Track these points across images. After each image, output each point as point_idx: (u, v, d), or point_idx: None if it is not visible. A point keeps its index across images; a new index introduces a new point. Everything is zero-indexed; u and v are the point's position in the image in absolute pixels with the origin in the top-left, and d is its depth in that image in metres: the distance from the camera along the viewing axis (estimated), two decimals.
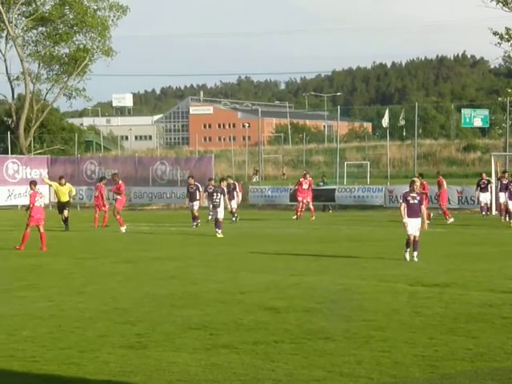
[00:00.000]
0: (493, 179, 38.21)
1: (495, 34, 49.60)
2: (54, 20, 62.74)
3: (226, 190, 30.43)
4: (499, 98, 69.48)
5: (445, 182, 36.15)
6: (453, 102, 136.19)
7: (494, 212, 37.68)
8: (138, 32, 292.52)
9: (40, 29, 63.77)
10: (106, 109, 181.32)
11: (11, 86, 64.92)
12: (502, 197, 34.38)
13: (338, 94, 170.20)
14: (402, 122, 65.29)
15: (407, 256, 19.82)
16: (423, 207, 20.03)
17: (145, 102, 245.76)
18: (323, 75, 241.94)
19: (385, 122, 53.95)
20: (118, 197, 32.46)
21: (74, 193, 33.71)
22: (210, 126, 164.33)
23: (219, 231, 28.00)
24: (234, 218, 35.36)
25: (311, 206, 37.98)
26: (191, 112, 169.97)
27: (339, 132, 59.16)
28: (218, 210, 28.53)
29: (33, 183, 26.08)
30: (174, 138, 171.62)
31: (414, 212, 19.77)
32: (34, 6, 63.33)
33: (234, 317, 12.39)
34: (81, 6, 62.04)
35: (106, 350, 10.15)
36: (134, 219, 36.78)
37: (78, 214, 44.34)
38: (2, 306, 13.79)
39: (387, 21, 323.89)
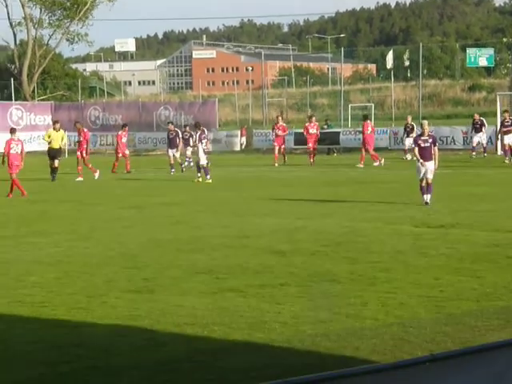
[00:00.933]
0: (498, 119, 38.04)
1: None
2: None
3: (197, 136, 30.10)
4: (504, 39, 68.86)
5: (371, 126, 35.55)
6: (458, 41, 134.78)
7: (499, 152, 37.55)
8: None
9: None
10: (109, 54, 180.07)
11: (13, 31, 64.56)
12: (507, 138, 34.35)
13: (342, 35, 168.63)
14: (407, 63, 64.87)
15: (425, 198, 19.26)
16: (436, 149, 19.65)
17: (147, 47, 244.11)
18: (326, 17, 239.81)
19: (389, 63, 53.53)
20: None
21: (64, 141, 31.61)
22: (213, 70, 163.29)
23: (207, 176, 27.67)
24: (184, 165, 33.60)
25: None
26: (194, 56, 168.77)
27: (343, 74, 58.74)
28: (200, 154, 28.20)
29: (11, 130, 26.08)
30: (178, 83, 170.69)
31: (426, 155, 19.44)
32: None
33: (240, 261, 12.46)
34: None
35: (113, 295, 10.23)
36: (138, 165, 36.77)
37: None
38: (9, 252, 13.88)
39: None
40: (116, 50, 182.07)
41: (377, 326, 8.54)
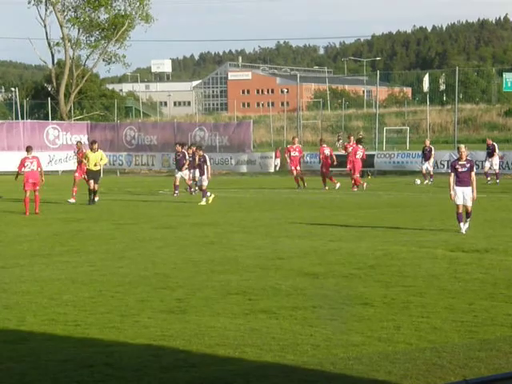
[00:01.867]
0: None
1: None
2: None
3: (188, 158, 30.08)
4: None
5: (361, 150, 35.14)
6: (494, 65, 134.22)
7: None
8: None
9: None
10: (145, 75, 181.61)
11: (51, 51, 65.28)
12: None
13: (378, 58, 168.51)
14: (443, 87, 64.59)
15: (462, 227, 18.45)
16: (473, 175, 18.75)
17: (184, 68, 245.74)
18: (363, 40, 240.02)
19: (425, 86, 53.40)
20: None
21: (105, 161, 30.42)
22: (248, 92, 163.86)
23: (204, 199, 27.71)
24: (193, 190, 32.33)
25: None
26: (230, 77, 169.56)
27: (378, 97, 58.68)
28: (203, 177, 28.29)
29: (27, 148, 26.37)
30: (213, 104, 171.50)
31: (463, 181, 18.60)
32: None
33: (273, 282, 12.43)
34: None
35: (146, 315, 10.25)
36: (172, 185, 36.85)
37: (117, 179, 44.65)
38: (44, 270, 13.97)
39: None
40: (152, 70, 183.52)
41: (410, 351, 8.47)
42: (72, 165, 53.01)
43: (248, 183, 39.99)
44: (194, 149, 31.68)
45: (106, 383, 7.54)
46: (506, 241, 16.93)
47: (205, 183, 28.29)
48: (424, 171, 37.16)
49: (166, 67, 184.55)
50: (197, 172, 29.62)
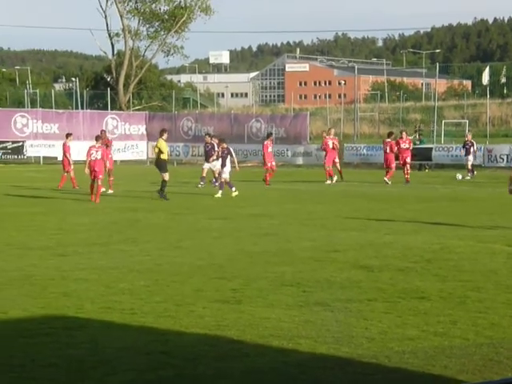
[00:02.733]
0: None
1: None
2: None
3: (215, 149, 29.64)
4: None
5: (331, 143, 34.61)
6: None
7: None
8: None
9: None
10: (203, 66, 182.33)
11: (111, 42, 65.98)
12: None
13: (437, 50, 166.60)
14: (504, 80, 63.65)
15: None
16: None
17: (241, 59, 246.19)
18: (422, 32, 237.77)
19: (485, 79, 52.69)
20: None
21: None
22: (305, 84, 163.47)
23: (233, 189, 27.32)
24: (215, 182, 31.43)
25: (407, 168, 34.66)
26: (287, 69, 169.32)
27: (437, 90, 58.10)
28: (224, 169, 27.88)
29: (96, 137, 26.73)
30: (270, 96, 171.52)
31: None
32: None
33: (328, 274, 12.40)
34: None
35: (201, 304, 10.31)
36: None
37: (174, 170, 44.93)
38: (101, 258, 14.14)
39: None
40: (210, 62, 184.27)
41: (466, 346, 8.38)
42: (130, 155, 53.64)
43: (304, 175, 39.92)
44: (217, 141, 30.81)
45: (162, 371, 7.61)
46: None
47: (224, 175, 27.79)
48: (469, 166, 36.75)
49: (224, 58, 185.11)
50: (218, 164, 29.00)
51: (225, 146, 28.62)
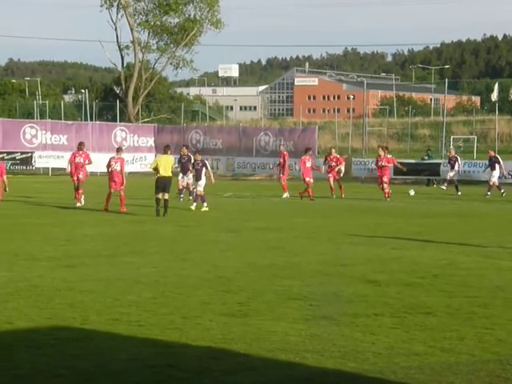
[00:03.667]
0: None
1: None
2: None
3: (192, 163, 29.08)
4: None
5: (308, 160, 34.61)
6: None
7: None
8: (245, 2, 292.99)
9: None
10: (212, 79, 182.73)
11: (121, 54, 66.21)
12: None
13: (446, 66, 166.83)
14: None
15: None
16: None
17: (250, 73, 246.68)
18: (431, 47, 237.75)
19: (494, 95, 52.68)
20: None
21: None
22: (314, 98, 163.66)
23: (204, 204, 26.82)
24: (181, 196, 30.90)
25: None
26: (296, 83, 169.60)
27: (446, 105, 58.10)
28: (199, 182, 27.27)
29: (117, 149, 27.19)
30: (279, 109, 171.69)
31: None
32: None
33: (335, 288, 12.38)
34: None
35: (207, 317, 10.30)
36: (236, 189, 37.05)
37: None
38: (108, 270, 14.14)
39: None
40: (219, 75, 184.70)
41: (473, 362, 8.36)
42: (138, 167, 53.70)
43: (312, 189, 39.92)
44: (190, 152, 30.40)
45: None
46: None
47: (200, 188, 27.23)
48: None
49: (234, 72, 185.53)
50: (191, 177, 28.55)
51: (199, 158, 28.17)
